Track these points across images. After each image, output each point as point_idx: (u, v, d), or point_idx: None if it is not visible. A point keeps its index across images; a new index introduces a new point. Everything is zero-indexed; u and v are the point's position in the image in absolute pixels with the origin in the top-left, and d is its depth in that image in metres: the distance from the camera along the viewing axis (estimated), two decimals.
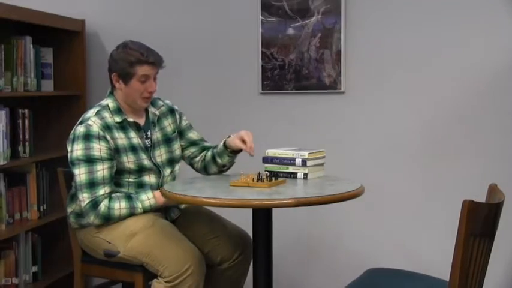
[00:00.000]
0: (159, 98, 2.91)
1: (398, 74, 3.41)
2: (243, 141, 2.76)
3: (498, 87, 3.27)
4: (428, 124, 3.38)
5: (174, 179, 2.84)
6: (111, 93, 2.76)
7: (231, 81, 3.65)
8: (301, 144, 3.18)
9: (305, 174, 2.67)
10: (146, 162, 2.73)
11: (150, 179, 2.74)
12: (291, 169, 2.70)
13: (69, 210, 2.81)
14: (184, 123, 2.96)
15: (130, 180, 2.71)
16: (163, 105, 2.91)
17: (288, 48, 3.50)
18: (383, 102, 3.44)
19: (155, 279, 2.59)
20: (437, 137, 3.37)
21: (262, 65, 3.55)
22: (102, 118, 2.66)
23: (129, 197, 2.65)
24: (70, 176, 2.91)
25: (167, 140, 2.85)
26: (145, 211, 2.66)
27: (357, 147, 3.48)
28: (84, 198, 2.60)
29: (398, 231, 3.46)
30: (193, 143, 2.96)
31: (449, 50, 3.32)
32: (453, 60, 3.32)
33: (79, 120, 2.71)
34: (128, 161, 2.68)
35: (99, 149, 2.60)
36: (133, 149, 2.70)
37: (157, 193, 2.66)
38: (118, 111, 2.71)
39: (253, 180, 2.50)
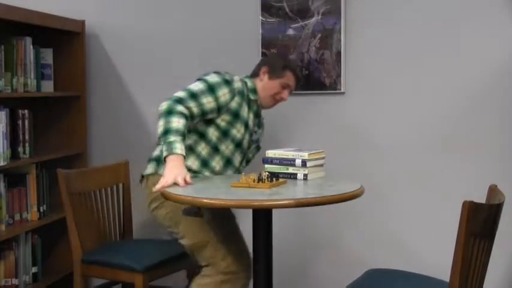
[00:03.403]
0: None
1: (398, 74, 3.41)
2: None
3: (498, 87, 3.28)
4: (428, 124, 3.38)
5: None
6: (249, 77, 3.00)
7: None
8: (301, 144, 3.18)
9: (305, 175, 2.67)
10: (245, 143, 2.92)
11: (236, 158, 2.91)
12: (291, 170, 2.70)
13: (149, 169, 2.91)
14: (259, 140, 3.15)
15: (230, 147, 2.86)
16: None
17: (288, 49, 3.50)
18: (383, 103, 3.44)
19: (201, 275, 2.71)
20: (437, 137, 3.37)
21: None
22: (242, 85, 2.90)
23: (184, 135, 2.64)
24: (70, 177, 2.92)
25: (255, 143, 3.08)
26: (163, 142, 2.61)
27: (357, 148, 3.48)
28: (179, 94, 2.75)
29: (398, 232, 3.46)
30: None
31: (449, 50, 3.32)
32: (453, 60, 3.33)
33: (227, 72, 2.93)
34: (239, 130, 2.86)
35: (225, 94, 2.81)
36: (246, 125, 2.90)
37: (182, 162, 2.58)
38: (254, 91, 2.96)
39: (254, 181, 2.50)
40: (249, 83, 2.96)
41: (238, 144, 2.88)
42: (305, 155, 2.67)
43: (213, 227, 2.72)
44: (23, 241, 3.26)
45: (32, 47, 3.34)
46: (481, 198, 2.24)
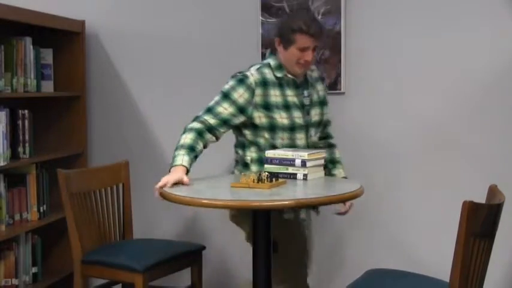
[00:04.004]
0: None
1: (398, 74, 3.41)
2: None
3: (498, 87, 3.28)
4: (428, 124, 3.38)
5: (314, 140, 2.93)
6: (272, 54, 2.92)
7: None
8: None
9: (305, 175, 2.67)
10: (298, 120, 2.82)
11: (299, 140, 2.84)
12: (290, 170, 2.69)
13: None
14: (326, 96, 3.04)
15: (284, 137, 2.81)
16: (314, 70, 3.02)
17: None
18: (383, 103, 3.44)
19: None
20: (437, 137, 3.37)
21: None
22: (261, 73, 2.83)
23: (191, 148, 2.69)
24: (70, 177, 2.91)
25: (321, 103, 2.97)
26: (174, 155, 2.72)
27: (357, 148, 3.48)
28: (199, 113, 2.82)
29: (398, 232, 3.46)
30: (322, 123, 3.01)
31: (449, 50, 3.33)
32: (453, 60, 3.33)
33: (241, 71, 2.90)
34: (281, 117, 2.79)
35: (240, 95, 2.79)
36: (286, 106, 2.82)
37: (181, 170, 2.64)
38: (279, 67, 2.86)
39: (253, 181, 2.49)
40: (272, 62, 2.87)
41: (292, 129, 2.82)
42: (305, 155, 2.66)
43: (289, 257, 2.79)
44: (23, 241, 3.26)
45: (32, 47, 3.34)
46: (481, 198, 2.24)
